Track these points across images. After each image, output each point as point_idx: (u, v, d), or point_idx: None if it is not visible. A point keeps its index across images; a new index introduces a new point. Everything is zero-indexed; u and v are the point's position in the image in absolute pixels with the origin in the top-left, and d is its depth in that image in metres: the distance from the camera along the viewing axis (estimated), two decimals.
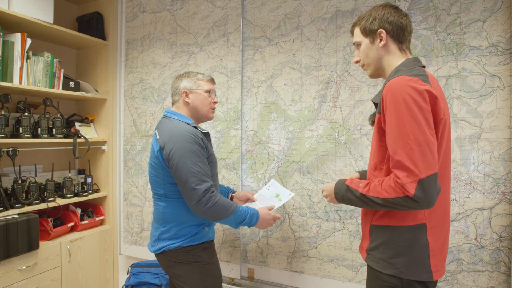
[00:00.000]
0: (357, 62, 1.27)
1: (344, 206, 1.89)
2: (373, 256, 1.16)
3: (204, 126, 2.25)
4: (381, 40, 1.17)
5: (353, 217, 1.87)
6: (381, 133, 1.11)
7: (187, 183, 1.43)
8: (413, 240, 1.08)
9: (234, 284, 2.22)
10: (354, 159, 1.87)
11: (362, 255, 1.24)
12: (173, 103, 1.66)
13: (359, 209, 1.85)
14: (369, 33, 1.19)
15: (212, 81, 1.66)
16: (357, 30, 1.24)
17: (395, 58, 1.17)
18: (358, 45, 1.24)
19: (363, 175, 1.47)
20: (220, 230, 2.23)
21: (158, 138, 1.52)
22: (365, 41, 1.21)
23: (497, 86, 1.59)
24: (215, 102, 1.65)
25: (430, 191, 0.97)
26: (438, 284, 1.69)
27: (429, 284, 1.10)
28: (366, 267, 1.84)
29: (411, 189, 0.97)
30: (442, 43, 1.69)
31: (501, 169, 1.59)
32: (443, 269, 1.12)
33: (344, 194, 1.17)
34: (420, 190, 0.97)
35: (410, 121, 0.99)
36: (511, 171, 1.57)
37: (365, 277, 1.84)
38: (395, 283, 1.08)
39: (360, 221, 1.85)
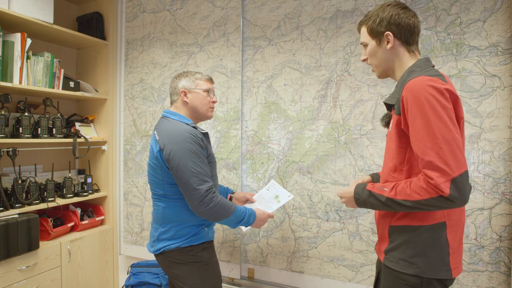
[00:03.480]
0: (364, 60, 1.25)
1: (344, 206, 1.89)
2: (392, 257, 1.14)
3: (204, 126, 2.26)
4: (388, 42, 1.15)
5: (353, 217, 1.87)
6: (400, 134, 1.10)
7: (188, 183, 1.43)
8: (434, 239, 1.08)
9: (234, 284, 2.22)
10: (354, 159, 1.87)
11: (379, 257, 1.22)
12: (171, 103, 1.66)
13: (360, 209, 1.85)
14: (376, 34, 1.17)
15: (210, 80, 1.66)
16: (364, 30, 1.22)
17: (404, 60, 1.16)
18: (365, 45, 1.22)
19: (374, 178, 1.44)
20: (220, 230, 2.23)
21: (157, 138, 1.52)
22: (372, 43, 1.19)
23: (497, 86, 1.59)
24: (214, 102, 1.64)
25: (464, 189, 0.97)
26: None
27: (447, 282, 1.10)
28: (366, 267, 1.85)
29: (446, 189, 0.96)
30: (442, 43, 1.69)
31: (501, 169, 1.59)
32: (460, 266, 1.12)
33: (366, 199, 1.15)
34: (454, 189, 0.96)
35: (436, 121, 0.98)
36: (511, 171, 1.57)
37: (365, 277, 1.84)
38: (415, 282, 1.08)
39: (360, 221, 1.85)
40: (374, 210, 1.43)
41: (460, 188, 0.96)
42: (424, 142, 1.00)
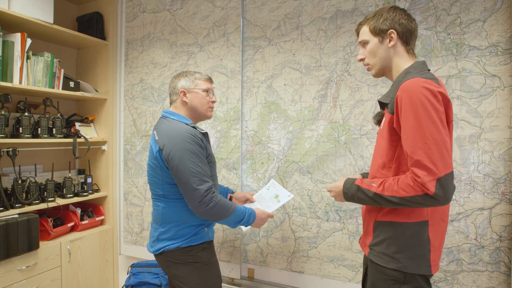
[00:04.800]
0: (361, 60, 1.27)
1: (344, 206, 1.89)
2: (376, 251, 1.19)
3: (204, 126, 2.26)
4: (390, 40, 1.19)
5: (353, 217, 1.87)
6: (392, 133, 1.14)
7: (188, 183, 1.43)
8: (416, 236, 1.12)
9: (234, 284, 2.22)
10: (354, 159, 1.87)
11: (364, 250, 1.27)
12: (171, 103, 1.66)
13: (359, 209, 1.85)
14: (379, 32, 1.20)
15: (209, 80, 1.66)
16: (365, 29, 1.24)
17: (403, 60, 1.20)
18: (364, 43, 1.25)
19: (364, 176, 1.47)
20: (220, 230, 2.23)
21: (157, 139, 1.52)
22: (374, 40, 1.21)
23: (497, 86, 1.59)
24: (213, 101, 1.64)
25: (448, 189, 1.01)
26: (438, 284, 1.69)
27: (428, 276, 1.15)
28: None
29: (431, 188, 1.00)
30: (442, 43, 1.69)
31: (501, 169, 1.59)
32: (438, 263, 1.18)
33: (354, 193, 1.19)
34: (439, 188, 1.00)
35: (427, 122, 1.02)
36: (511, 171, 1.57)
37: None
38: (398, 276, 1.13)
39: (360, 221, 1.85)
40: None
41: (445, 187, 1.00)
42: (415, 141, 1.04)
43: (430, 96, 1.03)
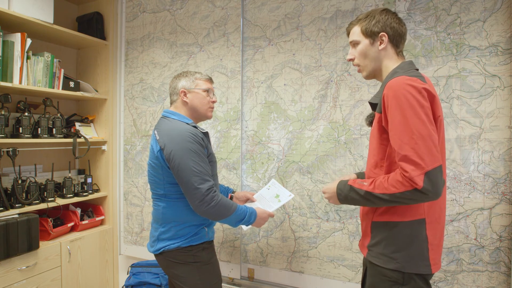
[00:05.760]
0: (350, 60, 1.29)
1: (344, 206, 1.89)
2: (375, 252, 1.19)
3: (204, 126, 2.26)
4: (381, 43, 1.20)
5: (353, 217, 1.87)
6: (381, 131, 1.15)
7: (189, 182, 1.43)
8: (414, 235, 1.12)
9: (234, 284, 2.22)
10: (354, 159, 1.87)
11: (362, 252, 1.27)
12: (171, 103, 1.66)
13: (359, 209, 1.85)
14: (371, 34, 1.21)
15: (210, 80, 1.66)
16: (356, 29, 1.25)
17: (392, 62, 1.22)
18: (355, 44, 1.26)
19: (360, 176, 1.49)
20: (220, 230, 2.23)
21: (158, 138, 1.52)
22: (365, 42, 1.23)
23: (497, 86, 1.59)
24: (213, 101, 1.64)
25: (437, 183, 1.01)
26: (438, 284, 1.69)
27: (427, 277, 1.14)
28: None
29: (420, 182, 1.00)
30: (442, 43, 1.69)
31: (501, 169, 1.59)
32: (440, 262, 1.17)
33: (347, 194, 1.19)
34: (427, 182, 1.00)
35: (413, 117, 1.03)
36: (511, 171, 1.57)
37: None
38: (396, 277, 1.12)
39: (360, 221, 1.85)
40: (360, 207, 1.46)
41: (433, 181, 1.01)
42: (401, 137, 1.05)
43: (414, 92, 1.05)
